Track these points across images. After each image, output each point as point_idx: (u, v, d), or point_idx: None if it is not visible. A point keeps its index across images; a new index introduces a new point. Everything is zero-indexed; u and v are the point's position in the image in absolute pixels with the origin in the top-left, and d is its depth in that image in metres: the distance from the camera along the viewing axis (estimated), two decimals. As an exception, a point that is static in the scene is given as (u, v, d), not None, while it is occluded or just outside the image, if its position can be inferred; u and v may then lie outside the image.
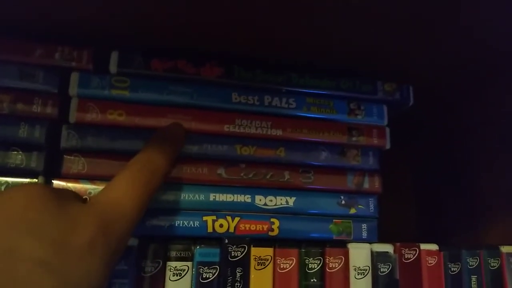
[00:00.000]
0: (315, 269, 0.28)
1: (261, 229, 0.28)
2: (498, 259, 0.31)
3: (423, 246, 0.30)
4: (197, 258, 0.26)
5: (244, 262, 0.27)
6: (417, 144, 0.52)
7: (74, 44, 0.28)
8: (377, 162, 0.32)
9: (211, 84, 0.30)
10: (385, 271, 0.29)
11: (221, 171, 0.29)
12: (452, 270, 0.30)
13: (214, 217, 0.28)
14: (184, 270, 0.26)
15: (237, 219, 0.28)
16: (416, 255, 0.30)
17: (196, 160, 0.29)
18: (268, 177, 0.30)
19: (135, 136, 0.28)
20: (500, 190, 0.38)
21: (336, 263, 0.28)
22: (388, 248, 0.29)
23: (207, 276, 0.26)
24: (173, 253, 0.26)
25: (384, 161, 0.33)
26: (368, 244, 0.29)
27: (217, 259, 0.26)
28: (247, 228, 0.28)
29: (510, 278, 0.31)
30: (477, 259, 0.31)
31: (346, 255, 0.28)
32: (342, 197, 0.31)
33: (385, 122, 0.32)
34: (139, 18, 0.27)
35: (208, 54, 0.31)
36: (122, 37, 0.30)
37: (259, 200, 0.29)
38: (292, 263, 0.27)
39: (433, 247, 0.30)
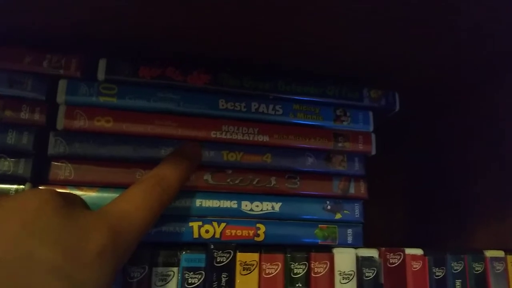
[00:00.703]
0: (301, 274, 0.28)
1: (247, 234, 0.29)
2: (482, 264, 0.31)
3: (408, 251, 0.30)
4: (183, 263, 0.26)
5: (230, 267, 0.27)
6: (405, 150, 0.52)
7: (63, 51, 0.28)
8: (363, 168, 0.32)
9: (198, 91, 0.30)
10: (370, 276, 0.29)
11: (207, 177, 0.29)
12: (436, 274, 0.30)
13: (200, 223, 0.28)
14: (169, 276, 0.26)
15: (223, 224, 0.28)
16: (401, 259, 0.30)
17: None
18: (254, 182, 0.30)
19: (122, 142, 0.28)
20: (485, 195, 0.38)
21: (321, 268, 0.28)
22: (373, 252, 0.30)
23: (193, 282, 0.26)
24: (159, 259, 0.26)
25: (371, 166, 0.34)
26: (353, 249, 0.29)
27: (202, 265, 0.27)
28: (233, 234, 0.28)
29: (494, 282, 0.31)
30: (461, 263, 0.31)
31: (331, 260, 0.29)
32: (327, 202, 0.31)
33: (371, 128, 0.33)
34: (128, 26, 0.28)
35: (196, 61, 0.31)
36: (110, 44, 0.30)
37: (245, 205, 0.29)
38: (278, 268, 0.28)
39: (418, 251, 0.30)
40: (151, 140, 0.29)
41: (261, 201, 0.30)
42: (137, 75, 0.29)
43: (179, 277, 0.26)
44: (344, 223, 0.31)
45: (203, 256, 0.27)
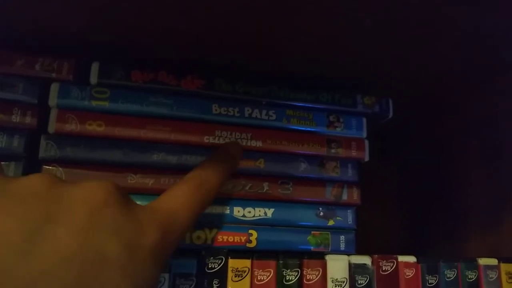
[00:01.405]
0: (293, 281, 0.28)
1: (239, 240, 0.28)
2: (475, 272, 0.31)
3: (401, 258, 0.30)
4: (174, 269, 0.26)
5: (221, 274, 0.27)
6: (398, 156, 0.52)
7: (55, 54, 0.28)
8: (356, 174, 0.32)
9: (192, 96, 0.30)
10: (362, 283, 0.29)
11: (200, 182, 0.29)
12: (429, 282, 0.30)
13: (192, 229, 0.28)
14: (160, 282, 0.26)
15: (214, 230, 0.28)
16: (394, 267, 0.30)
17: (175, 172, 0.29)
18: (247, 188, 0.30)
19: (114, 146, 0.28)
20: (479, 202, 0.38)
21: (314, 275, 0.28)
22: (365, 260, 0.29)
23: (184, 288, 0.26)
24: (149, 264, 0.26)
25: (365, 172, 0.33)
26: (345, 256, 0.29)
27: (194, 271, 0.26)
28: (225, 240, 0.28)
29: (487, 290, 0.31)
30: (454, 271, 0.31)
31: (324, 267, 0.28)
32: (320, 208, 0.31)
33: (364, 134, 0.33)
34: (121, 30, 0.28)
35: (189, 65, 0.31)
36: (103, 48, 0.30)
37: (238, 211, 0.29)
38: (270, 274, 0.27)
39: (411, 259, 0.30)
40: (143, 145, 0.29)
41: (253, 207, 0.29)
42: (130, 79, 0.29)
43: (170, 283, 0.26)
44: (337, 230, 0.31)
45: (194, 262, 0.26)
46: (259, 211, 0.29)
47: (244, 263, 0.27)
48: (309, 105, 0.32)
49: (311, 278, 0.28)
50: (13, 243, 0.15)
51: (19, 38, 0.29)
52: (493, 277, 0.31)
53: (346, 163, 0.32)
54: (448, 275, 0.31)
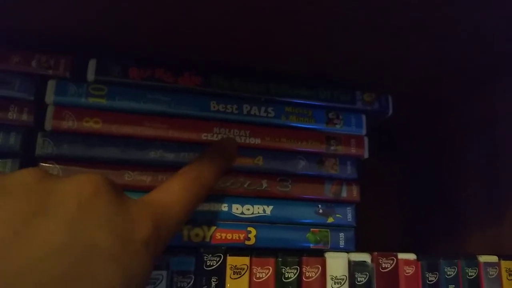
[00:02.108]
0: (292, 279, 0.27)
1: (237, 238, 0.28)
2: (475, 269, 0.31)
3: (401, 256, 0.30)
4: (172, 267, 0.26)
5: (220, 271, 0.26)
6: (399, 154, 0.52)
7: (52, 51, 0.28)
8: (355, 171, 0.32)
9: (189, 93, 0.30)
10: (362, 281, 0.29)
11: (198, 179, 0.29)
12: (429, 279, 0.30)
13: (190, 227, 0.27)
14: (158, 279, 0.25)
15: (213, 228, 0.28)
16: (394, 264, 0.29)
17: (173, 169, 0.28)
18: (245, 185, 0.30)
19: (111, 144, 0.28)
20: (479, 199, 0.38)
21: (313, 273, 0.28)
22: (365, 257, 0.29)
23: (182, 285, 0.26)
24: (147, 262, 0.25)
25: (365, 169, 0.33)
26: (345, 253, 0.29)
27: (192, 268, 0.26)
28: (223, 237, 0.28)
29: (488, 288, 0.31)
30: (455, 268, 0.31)
31: (323, 264, 0.28)
32: (319, 206, 0.31)
33: (364, 131, 0.33)
34: (119, 27, 0.27)
35: (187, 63, 0.31)
36: (101, 45, 0.30)
37: (236, 208, 0.29)
38: (269, 272, 0.27)
39: (411, 256, 0.30)
40: (140, 142, 0.28)
41: (252, 204, 0.29)
42: (127, 76, 0.29)
43: (168, 280, 0.25)
44: (336, 227, 0.30)
45: (192, 259, 0.26)
46: (258, 208, 0.29)
47: (242, 261, 0.27)
48: (308, 102, 0.32)
49: (310, 275, 0.28)
50: (1, 236, 0.15)
51: (17, 36, 0.29)
52: (493, 274, 0.31)
53: (345, 160, 0.32)
54: (448, 273, 0.30)
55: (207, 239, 0.28)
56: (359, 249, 0.31)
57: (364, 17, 0.26)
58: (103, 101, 0.28)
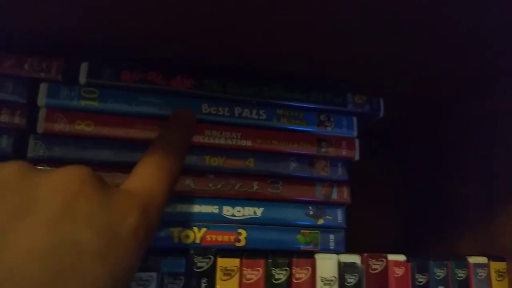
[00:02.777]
0: (282, 280, 0.28)
1: (228, 239, 0.28)
2: (465, 270, 0.31)
3: (391, 257, 0.30)
4: (163, 268, 0.26)
5: (210, 273, 0.27)
6: (391, 156, 0.52)
7: (44, 54, 0.28)
8: (346, 173, 0.32)
9: (181, 95, 0.30)
10: (352, 282, 0.29)
11: (189, 182, 0.29)
12: (419, 281, 0.30)
13: (180, 228, 0.28)
14: (148, 281, 0.26)
15: (203, 230, 0.28)
16: (384, 265, 0.30)
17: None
18: (236, 187, 0.30)
19: (103, 146, 0.28)
20: (469, 201, 0.38)
21: (303, 274, 0.28)
22: (355, 258, 0.29)
23: (172, 287, 0.26)
24: (138, 264, 0.26)
25: (356, 171, 0.33)
26: (335, 254, 0.29)
27: (182, 270, 0.26)
28: (214, 239, 0.28)
29: (477, 289, 0.31)
30: (444, 270, 0.31)
31: (313, 265, 0.28)
32: (310, 207, 0.31)
33: (355, 133, 0.33)
34: (113, 30, 0.28)
35: (185, 64, 0.31)
36: (93, 48, 0.30)
37: (227, 210, 0.29)
38: (259, 273, 0.27)
39: (401, 257, 0.30)
40: (132, 145, 0.28)
41: (243, 206, 0.29)
42: (119, 79, 0.29)
43: (158, 282, 0.26)
44: (326, 229, 0.31)
45: (183, 261, 0.26)
46: (249, 210, 0.29)
47: (233, 262, 0.27)
48: (300, 105, 0.32)
49: (301, 277, 0.28)
50: None
51: (9, 38, 0.29)
52: (482, 276, 0.31)
53: (336, 162, 0.32)
54: (438, 274, 0.31)
55: (198, 241, 0.28)
56: (350, 250, 0.31)
57: (364, 17, 0.26)
58: (95, 104, 0.28)
